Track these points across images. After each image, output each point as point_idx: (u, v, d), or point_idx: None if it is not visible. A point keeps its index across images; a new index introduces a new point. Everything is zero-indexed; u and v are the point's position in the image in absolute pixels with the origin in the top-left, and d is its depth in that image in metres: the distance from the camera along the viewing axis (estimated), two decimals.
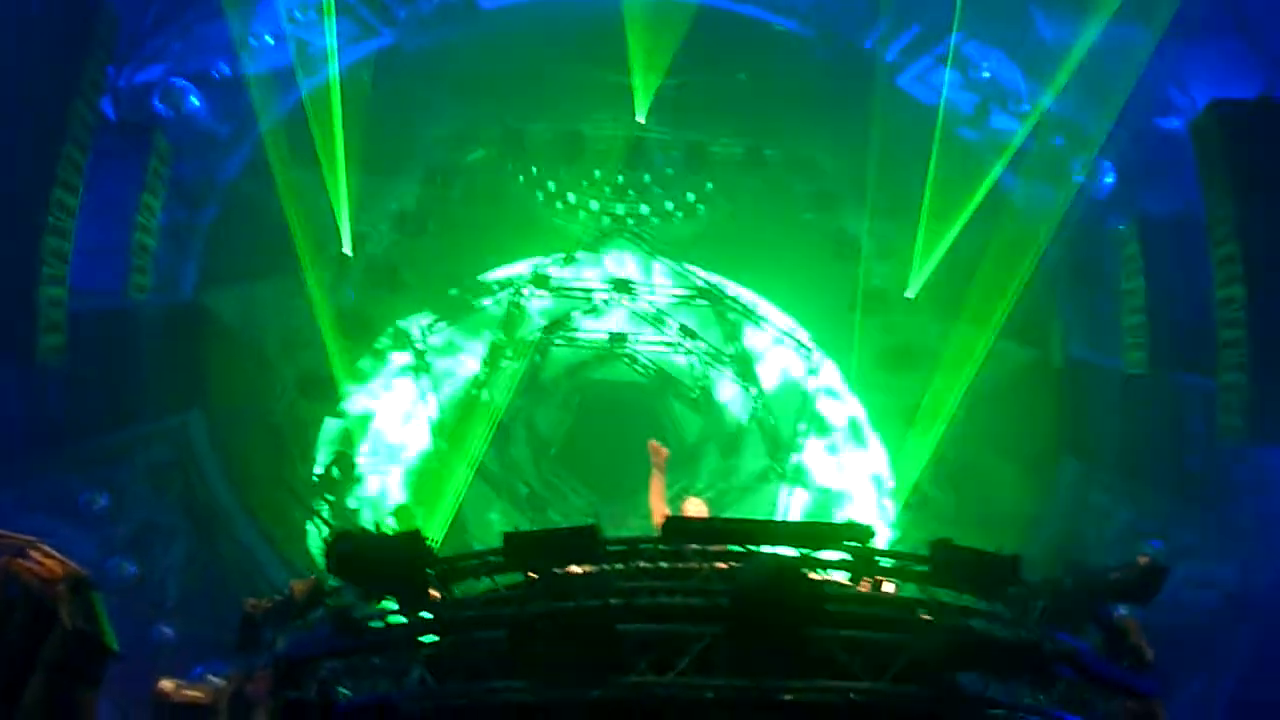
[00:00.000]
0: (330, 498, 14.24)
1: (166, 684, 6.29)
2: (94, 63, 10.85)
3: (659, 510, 8.34)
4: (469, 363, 15.85)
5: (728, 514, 15.39)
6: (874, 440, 16.30)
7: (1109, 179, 13.94)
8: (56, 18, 10.68)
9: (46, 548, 5.12)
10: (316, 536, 14.00)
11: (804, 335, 16.19)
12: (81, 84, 10.61)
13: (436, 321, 15.62)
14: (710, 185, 16.24)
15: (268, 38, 13.32)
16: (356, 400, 15.33)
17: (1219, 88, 12.49)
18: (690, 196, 16.41)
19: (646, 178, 16.24)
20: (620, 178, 16.20)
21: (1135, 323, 12.74)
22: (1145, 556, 6.39)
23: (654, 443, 8.57)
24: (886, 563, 5.93)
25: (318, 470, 14.50)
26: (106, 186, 11.29)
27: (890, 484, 15.95)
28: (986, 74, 14.38)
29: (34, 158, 10.20)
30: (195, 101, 12.78)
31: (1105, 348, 13.17)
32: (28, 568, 4.87)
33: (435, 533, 14.41)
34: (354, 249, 14.53)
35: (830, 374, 16.20)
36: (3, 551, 5.14)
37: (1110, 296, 13.09)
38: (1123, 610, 6.82)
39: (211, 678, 7.53)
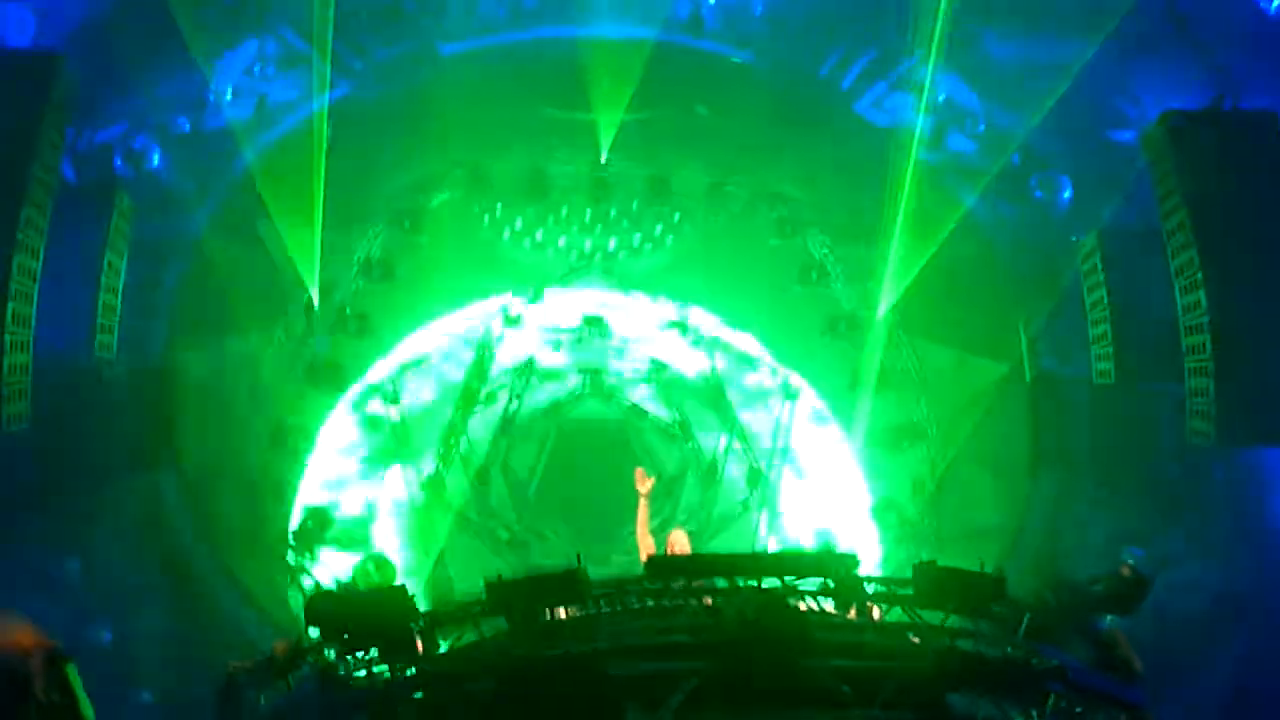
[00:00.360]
0: (308, 552, 14.04)
1: None
2: (51, 125, 10.75)
3: (645, 542, 8.32)
4: (441, 408, 15.78)
5: (711, 545, 15.38)
6: (852, 460, 16.36)
7: (1067, 193, 14.18)
8: (11, 79, 10.61)
9: (19, 620, 4.99)
10: (296, 592, 13.80)
11: (776, 361, 16.29)
12: (39, 147, 10.50)
13: (407, 368, 15.56)
14: (677, 216, 16.38)
15: (228, 92, 13.30)
16: (330, 451, 15.21)
17: (1169, 98, 12.75)
18: (658, 228, 16.54)
19: (613, 212, 16.36)
20: (587, 213, 16.32)
21: (1100, 333, 12.90)
22: (1128, 566, 6.41)
23: (640, 470, 8.57)
24: (872, 588, 5.92)
25: (293, 526, 14.32)
26: (69, 248, 11.16)
27: (870, 504, 16.00)
28: (941, 97, 14.63)
29: None
30: (156, 159, 12.71)
31: (1074, 359, 13.31)
32: (1, 643, 4.74)
33: (418, 583, 14.29)
34: (322, 298, 14.46)
35: (805, 397, 16.29)
36: None
37: (1075, 309, 13.24)
38: (1109, 622, 6.85)
39: None
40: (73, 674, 4.92)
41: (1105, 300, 12.82)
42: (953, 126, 14.64)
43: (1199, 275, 11.19)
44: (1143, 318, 12.47)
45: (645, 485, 8.49)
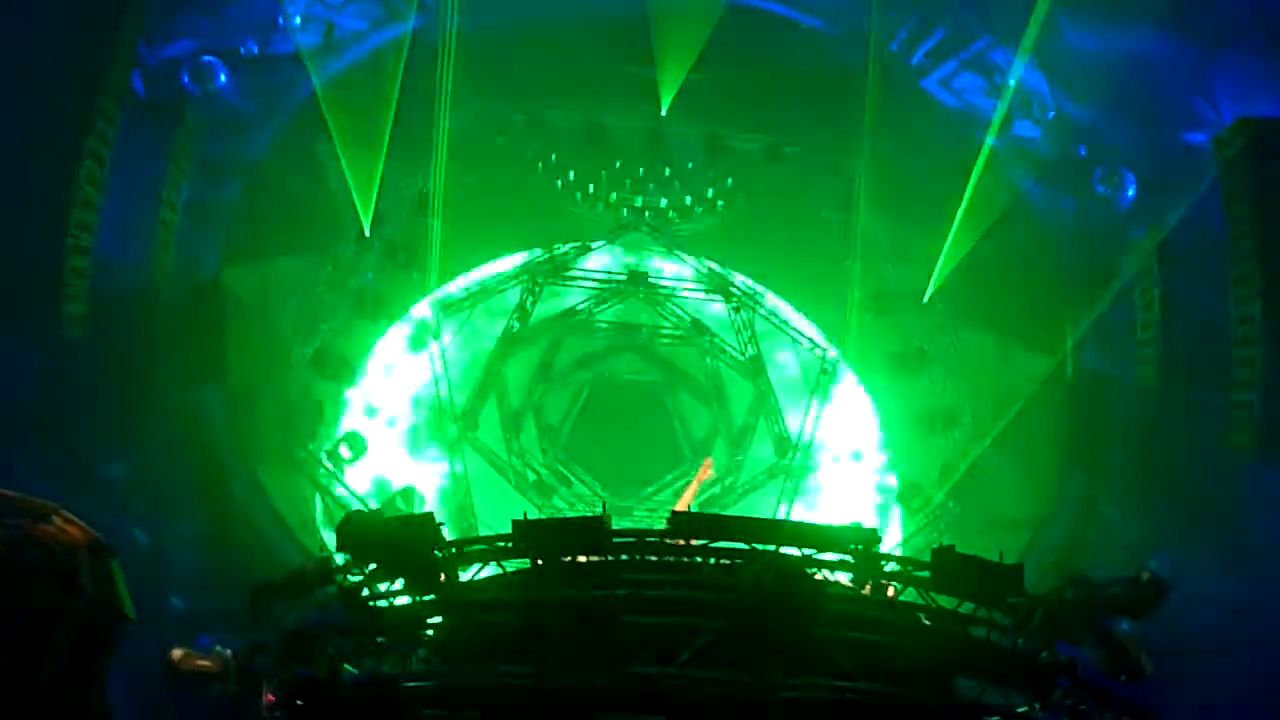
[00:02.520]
0: (340, 475, 14.36)
1: (177, 652, 6.42)
2: (125, 37, 10.95)
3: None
4: (481, 348, 15.94)
5: (734, 508, 15.48)
6: (882, 441, 16.33)
7: (1130, 191, 13.89)
8: None
9: (68, 514, 5.23)
10: (326, 514, 14.14)
11: (818, 334, 16.23)
12: (112, 58, 10.71)
13: (451, 304, 15.71)
14: (730, 181, 16.27)
15: (297, 18, 13.38)
16: (370, 379, 15.46)
17: (1247, 103, 12.43)
18: (709, 191, 16.44)
19: (667, 171, 16.28)
20: (640, 170, 16.26)
21: (1149, 337, 12.73)
22: (1147, 571, 6.40)
23: (709, 460, 8.70)
24: (889, 567, 5.98)
25: (328, 447, 14.63)
26: (134, 161, 11.39)
27: (895, 485, 15.99)
28: (1012, 80, 14.33)
29: (64, 130, 10.31)
30: (223, 79, 12.85)
31: (1118, 360, 13.16)
32: (50, 533, 4.98)
33: (444, 513, 14.57)
34: (373, 230, 14.62)
35: (842, 374, 16.23)
36: (26, 516, 5.25)
37: (1125, 309, 13.05)
38: (1125, 625, 6.86)
39: (220, 648, 7.63)
40: (116, 568, 5.14)
41: (1157, 304, 12.63)
42: (1021, 112, 14.37)
43: (1257, 287, 11.00)
44: (1192, 324, 12.28)
45: (707, 473, 8.65)
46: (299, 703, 5.91)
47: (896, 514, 15.64)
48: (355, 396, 15.28)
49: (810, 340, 16.18)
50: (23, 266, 10.35)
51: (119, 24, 11.03)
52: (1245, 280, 11.19)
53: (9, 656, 4.94)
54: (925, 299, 15.23)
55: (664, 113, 15.05)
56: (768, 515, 15.27)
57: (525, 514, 5.73)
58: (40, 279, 10.30)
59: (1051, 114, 14.34)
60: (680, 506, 8.53)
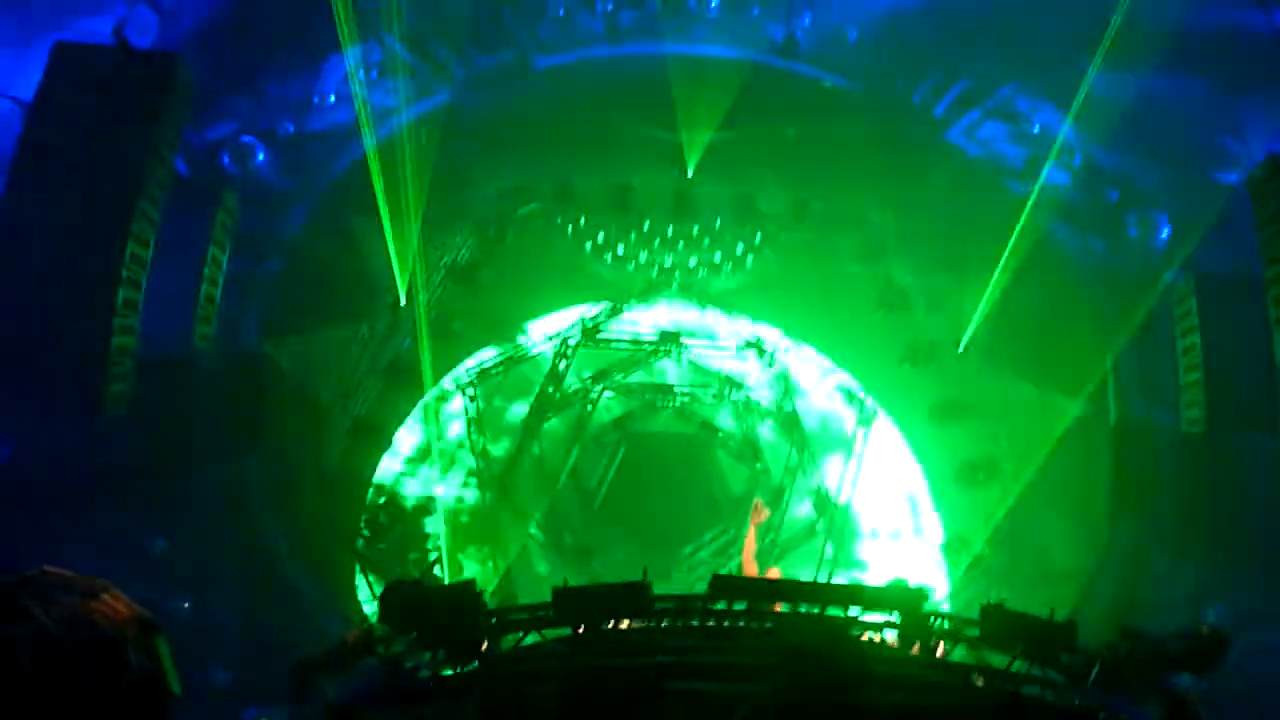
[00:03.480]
0: (381, 545, 14.40)
1: None
2: (170, 122, 11.31)
3: (750, 568, 8.37)
4: (516, 412, 16.03)
5: (776, 564, 15.28)
6: (926, 494, 16.11)
7: (1164, 233, 13.78)
8: (135, 78, 11.19)
9: (116, 591, 5.26)
10: (365, 583, 14.16)
11: (855, 386, 16.15)
12: (158, 142, 11.06)
13: (486, 372, 15.86)
14: (758, 237, 16.39)
15: (331, 97, 13.80)
16: (406, 447, 15.58)
17: (1277, 139, 12.33)
18: (739, 248, 16.56)
19: (695, 229, 16.44)
20: (669, 230, 16.44)
21: (1192, 380, 12.49)
22: (1207, 625, 6.20)
23: (758, 501, 8.64)
24: (938, 625, 5.85)
25: (367, 516, 14.71)
26: (176, 240, 11.70)
27: (941, 539, 15.72)
28: (1036, 128, 14.37)
29: (110, 212, 10.63)
30: (261, 158, 13.25)
31: (1162, 405, 12.91)
32: (100, 610, 5.01)
33: (483, 582, 14.53)
34: (408, 299, 14.86)
35: (881, 426, 16.10)
36: (76, 594, 5.29)
37: (1166, 353, 12.84)
38: (1185, 680, 6.64)
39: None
40: (163, 645, 5.15)
41: (1199, 346, 12.41)
42: (1047, 158, 14.36)
43: None
44: (1237, 366, 12.04)
45: (761, 516, 8.57)
46: None
47: (942, 564, 15.36)
48: (392, 464, 15.40)
49: (846, 392, 16.10)
50: (70, 347, 10.61)
51: (165, 109, 11.41)
52: None
53: None
54: (960, 348, 15.12)
55: (690, 174, 15.25)
56: (808, 572, 15.10)
57: (565, 581, 5.69)
58: (87, 360, 10.54)
59: (1079, 159, 14.32)
60: (746, 554, 8.43)
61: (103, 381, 10.41)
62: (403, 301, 14.77)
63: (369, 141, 13.48)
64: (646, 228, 16.47)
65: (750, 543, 8.51)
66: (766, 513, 8.61)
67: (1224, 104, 12.98)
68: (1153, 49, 12.94)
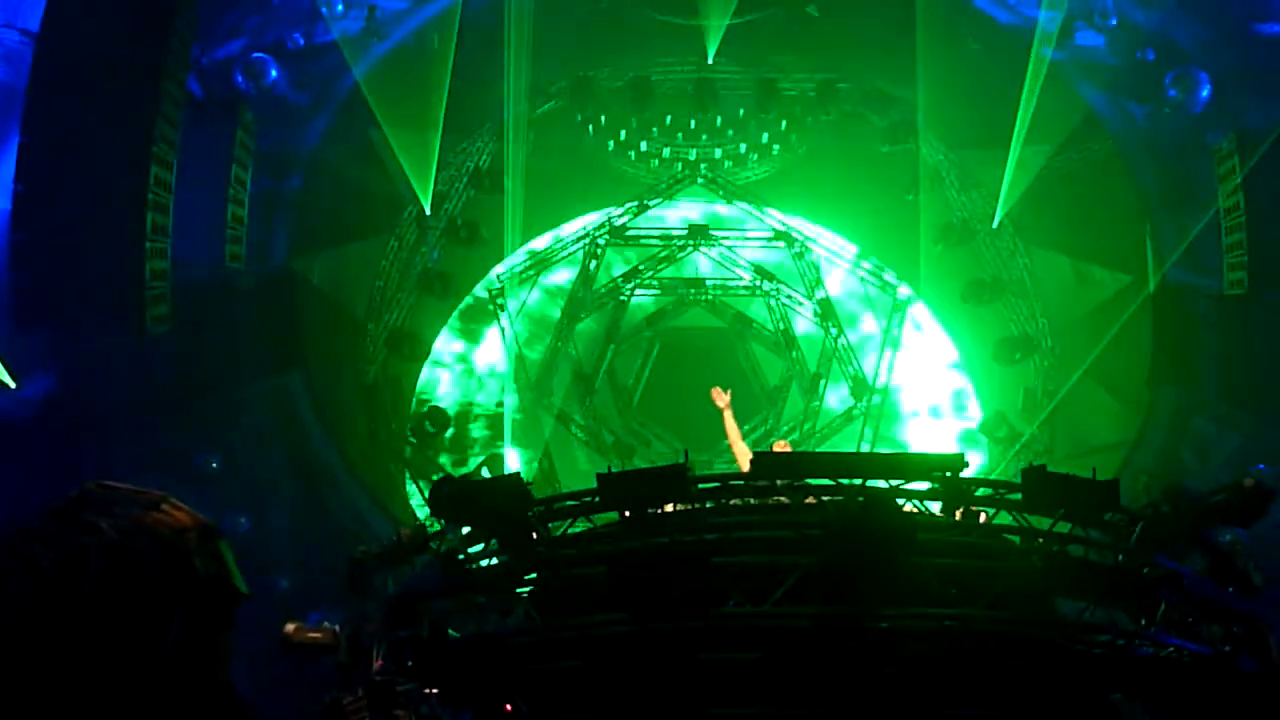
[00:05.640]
0: (428, 451, 14.71)
1: (290, 626, 6.65)
2: (178, 42, 11.20)
3: (740, 449, 8.47)
4: (550, 315, 16.10)
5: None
6: (962, 374, 16.08)
7: (1204, 92, 13.25)
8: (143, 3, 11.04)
9: (175, 501, 5.44)
10: (413, 486, 14.52)
11: (888, 274, 15.99)
12: (168, 63, 10.98)
13: (516, 276, 15.87)
14: (784, 123, 16.03)
15: (339, 5, 13.53)
16: (444, 354, 15.76)
17: None
18: (764, 136, 16.24)
19: (718, 120, 16.11)
20: (692, 122, 16.13)
21: (1235, 241, 12.20)
22: (1251, 478, 6.17)
23: (715, 390, 8.66)
24: (979, 491, 5.89)
25: (411, 423, 14.99)
26: (198, 161, 11.70)
27: (979, 418, 15.75)
28: None
29: (131, 138, 10.63)
30: (274, 73, 13.07)
31: (1203, 269, 12.65)
32: (160, 519, 5.19)
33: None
34: (433, 209, 14.81)
35: (916, 309, 15.98)
36: (135, 506, 5.48)
37: (1207, 215, 12.53)
38: (1228, 534, 6.66)
39: (328, 623, 7.89)
40: (225, 548, 5.33)
41: (1242, 206, 12.09)
42: (1081, 20, 13.77)
43: None
44: None
45: (723, 400, 8.58)
46: (409, 664, 6.13)
47: (982, 443, 15.43)
48: (433, 373, 15.61)
49: (879, 278, 15.95)
50: (107, 274, 10.76)
51: (172, 29, 11.27)
52: None
53: (134, 639, 5.18)
54: (994, 225, 14.86)
55: (710, 61, 14.86)
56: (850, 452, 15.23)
57: (609, 467, 5.79)
58: (124, 284, 10.69)
59: (1114, 19, 13.73)
60: (731, 439, 8.48)
61: (140, 304, 10.57)
62: (428, 211, 14.73)
63: (381, 48, 13.26)
64: (669, 121, 16.16)
65: (730, 428, 8.53)
66: (728, 395, 8.56)
67: None
68: None
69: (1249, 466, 12.11)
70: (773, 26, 14.75)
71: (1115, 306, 13.88)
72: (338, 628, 7.19)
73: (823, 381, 15.75)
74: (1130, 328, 13.53)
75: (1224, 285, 12.43)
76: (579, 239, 16.06)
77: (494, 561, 6.12)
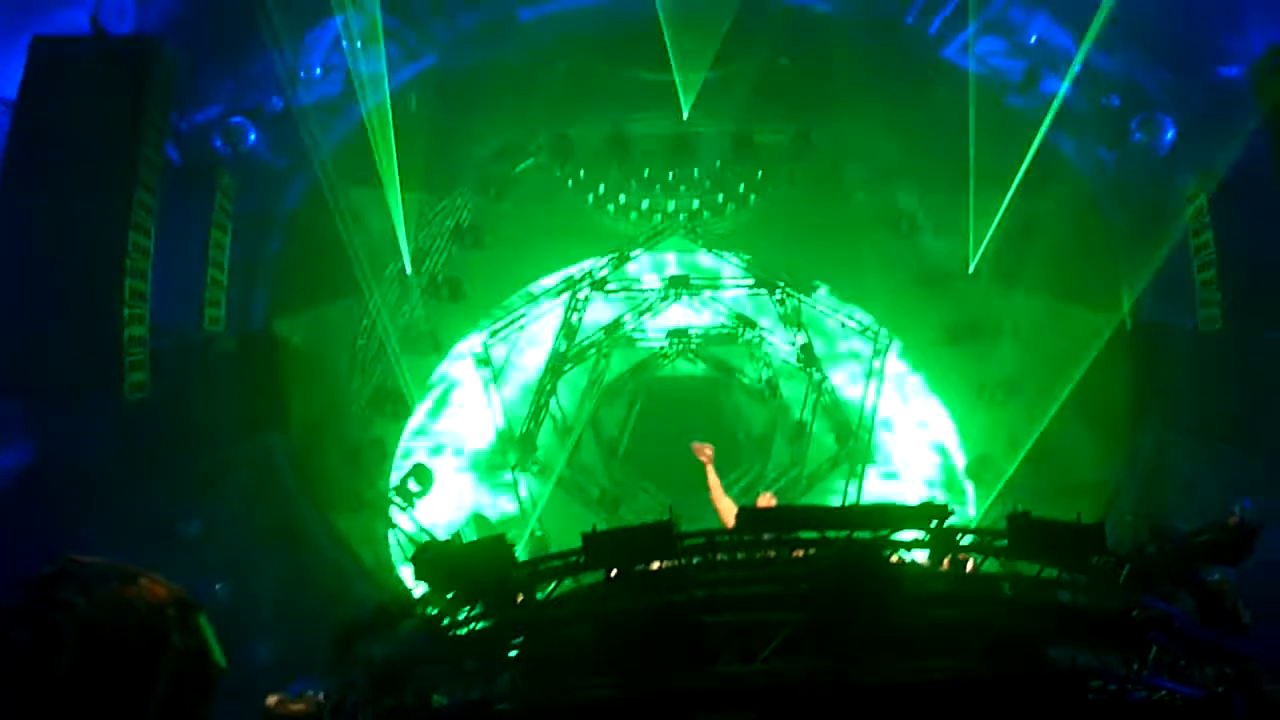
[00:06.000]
0: (410, 509, 14.57)
1: (271, 699, 6.53)
2: (156, 107, 11.28)
3: (723, 505, 8.45)
4: (532, 370, 16.09)
5: (801, 501, 15.40)
6: (945, 417, 16.13)
7: (1169, 135, 13.56)
8: (116, 66, 11.14)
9: (153, 575, 5.39)
10: (399, 549, 14.34)
11: (866, 318, 16.10)
12: (145, 130, 11.04)
13: (498, 332, 15.89)
14: (760, 174, 16.25)
15: (317, 69, 13.68)
16: (427, 412, 15.69)
17: (1277, 29, 12.10)
18: (740, 187, 16.43)
19: (696, 172, 16.31)
20: (670, 174, 16.32)
21: (1207, 279, 12.39)
22: (1235, 516, 6.20)
23: (696, 444, 8.68)
24: (965, 540, 5.89)
25: (394, 484, 14.86)
26: (177, 226, 11.73)
27: (963, 461, 15.76)
28: (1033, 38, 14.10)
29: (109, 206, 10.65)
30: (253, 137, 13.17)
31: (1178, 307, 12.82)
32: (137, 594, 5.13)
33: (513, 539, 14.69)
34: (414, 266, 14.86)
35: (897, 354, 16.08)
36: (112, 581, 5.42)
37: (1179, 254, 12.73)
38: (1216, 573, 6.66)
39: (311, 692, 7.75)
40: (204, 622, 5.26)
41: (1212, 244, 12.30)
42: (1047, 68, 14.10)
43: None
44: (1252, 262, 11.93)
45: (705, 454, 8.61)
46: None
47: (967, 486, 15.42)
48: (415, 431, 15.52)
49: (860, 322, 16.06)
50: (84, 342, 10.70)
51: (149, 95, 11.36)
52: None
53: (113, 716, 5.08)
54: (971, 269, 15.03)
55: (685, 116, 15.08)
56: (835, 504, 15.19)
57: (594, 527, 5.75)
58: (102, 352, 10.62)
59: (1078, 67, 14.05)
60: (714, 493, 8.46)
61: (119, 372, 10.50)
62: (408, 269, 14.78)
63: (357, 112, 13.39)
64: (647, 174, 16.35)
65: (712, 481, 8.53)
66: (710, 449, 8.56)
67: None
68: None
69: (1233, 502, 12.17)
70: (746, 79, 15.01)
71: (1094, 346, 13.99)
72: (322, 696, 7.05)
73: (807, 428, 15.78)
74: (1109, 366, 13.65)
75: (1199, 321, 12.59)
76: (560, 292, 16.12)
77: (479, 626, 6.04)
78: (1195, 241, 12.52)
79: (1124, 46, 13.37)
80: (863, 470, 15.39)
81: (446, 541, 6.86)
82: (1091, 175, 14.11)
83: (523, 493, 15.29)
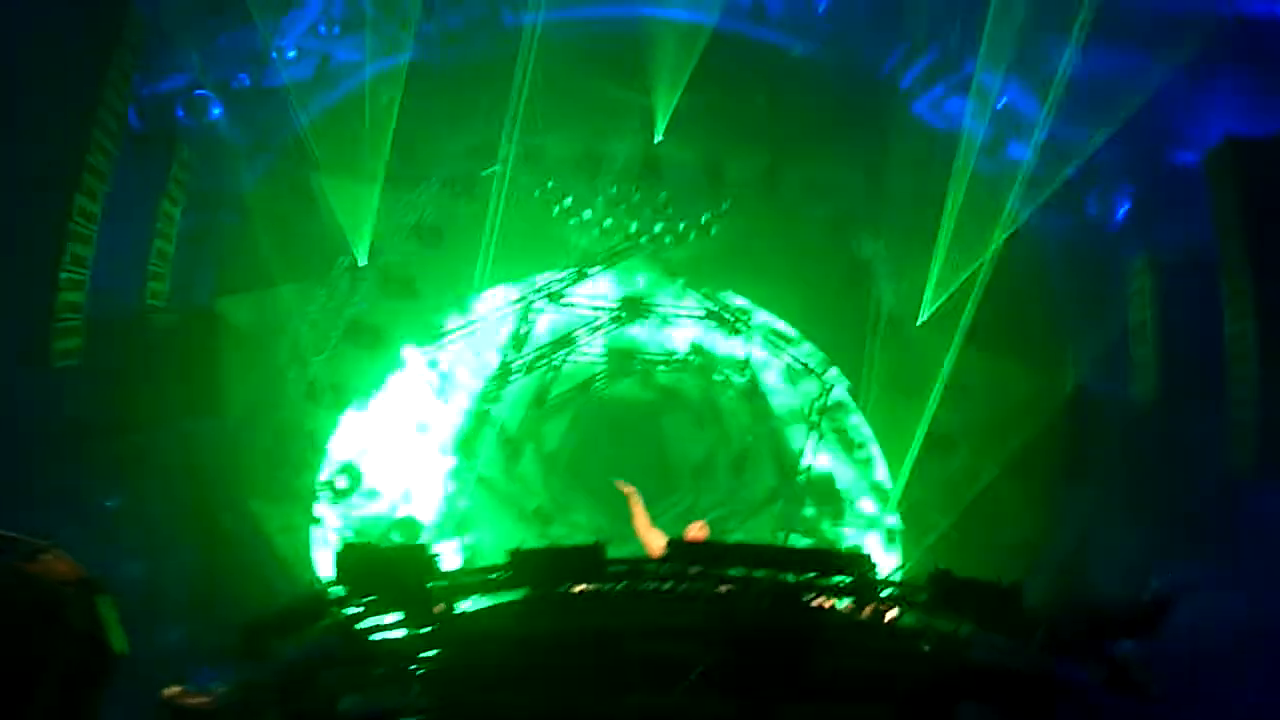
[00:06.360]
0: (336, 507, 14.31)
1: (170, 690, 6.33)
2: (121, 70, 11.01)
3: (649, 538, 8.48)
4: (479, 376, 15.94)
5: (734, 534, 15.43)
6: (881, 463, 16.29)
7: (1122, 211, 13.96)
8: (83, 17, 10.86)
9: (59, 552, 5.20)
10: (322, 546, 14.07)
11: (816, 356, 16.24)
12: (107, 91, 10.77)
13: (448, 334, 15.73)
14: (725, 204, 16.35)
15: (291, 51, 13.50)
16: (365, 410, 15.44)
17: (1236, 122, 12.51)
18: (705, 215, 16.51)
19: (662, 195, 16.36)
20: (636, 195, 16.34)
21: (1145, 354, 12.74)
22: (1150, 593, 6.35)
23: (619, 483, 8.78)
24: (887, 591, 5.94)
25: (323, 478, 14.59)
26: (128, 193, 11.44)
27: (897, 507, 15.93)
28: (1002, 103, 14.44)
29: (59, 163, 10.35)
30: (217, 111, 12.93)
31: (1115, 378, 13.16)
32: (38, 571, 4.94)
33: (442, 545, 14.51)
34: (369, 259, 14.66)
35: (841, 396, 16.23)
36: (14, 555, 5.21)
37: (1121, 328, 13.08)
38: (1127, 645, 6.79)
39: (215, 684, 7.54)
40: (105, 606, 5.09)
41: (1152, 321, 12.65)
42: (1012, 134, 14.46)
43: (1250, 304, 11.02)
44: (1189, 342, 12.29)
45: (628, 489, 8.72)
46: None
47: (896, 533, 15.58)
48: (351, 427, 15.25)
49: (808, 362, 16.19)
50: (16, 303, 10.36)
51: (115, 57, 11.09)
52: (1238, 297, 11.22)
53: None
54: (921, 320, 15.25)
55: (658, 139, 15.14)
56: (769, 539, 15.26)
57: (521, 544, 5.68)
58: (33, 314, 10.30)
59: (1042, 135, 14.42)
60: (638, 526, 8.51)
61: (49, 336, 10.18)
62: (362, 261, 14.58)
63: (330, 96, 13.23)
64: (614, 192, 16.35)
65: (638, 515, 8.62)
66: (631, 489, 8.67)
67: (1184, 85, 13.12)
68: (1117, 29, 13.04)
69: (1151, 573, 12.48)
70: (721, 110, 15.15)
71: (1032, 408, 14.28)
72: (225, 690, 6.86)
73: (747, 461, 15.84)
74: (1046, 430, 13.92)
75: (1134, 396, 12.92)
76: (515, 301, 16.02)
77: (395, 634, 5.93)
78: (1136, 317, 12.86)
79: (1087, 120, 13.73)
80: (797, 507, 15.47)
81: (369, 545, 6.75)
82: (1045, 241, 14.46)
83: (457, 499, 15.09)
